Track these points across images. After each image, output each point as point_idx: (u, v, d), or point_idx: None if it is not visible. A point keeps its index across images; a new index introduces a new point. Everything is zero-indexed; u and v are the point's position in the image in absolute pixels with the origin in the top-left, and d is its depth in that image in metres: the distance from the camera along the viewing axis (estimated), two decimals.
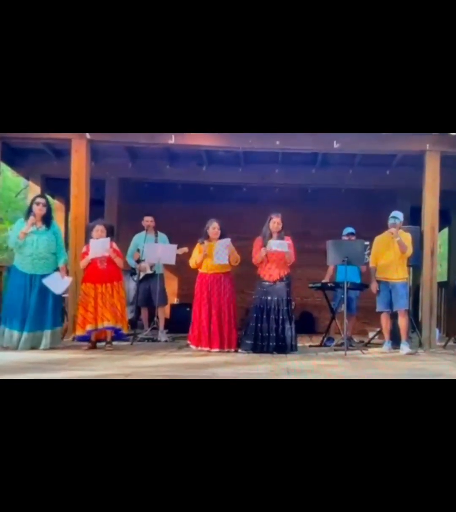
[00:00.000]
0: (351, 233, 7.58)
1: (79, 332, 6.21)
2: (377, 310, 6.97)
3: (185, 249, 7.12)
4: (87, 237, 6.70)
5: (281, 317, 6.31)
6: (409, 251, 6.83)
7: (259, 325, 6.30)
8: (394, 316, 6.94)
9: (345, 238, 7.50)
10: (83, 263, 6.35)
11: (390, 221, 6.86)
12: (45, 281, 6.07)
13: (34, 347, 5.99)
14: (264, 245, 6.44)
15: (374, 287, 6.94)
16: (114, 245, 6.39)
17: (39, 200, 6.27)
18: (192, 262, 6.66)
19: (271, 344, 6.26)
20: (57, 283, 6.15)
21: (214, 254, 6.45)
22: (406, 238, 6.85)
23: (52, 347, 6.05)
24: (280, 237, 6.48)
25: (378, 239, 7.01)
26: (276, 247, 6.37)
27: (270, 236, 6.49)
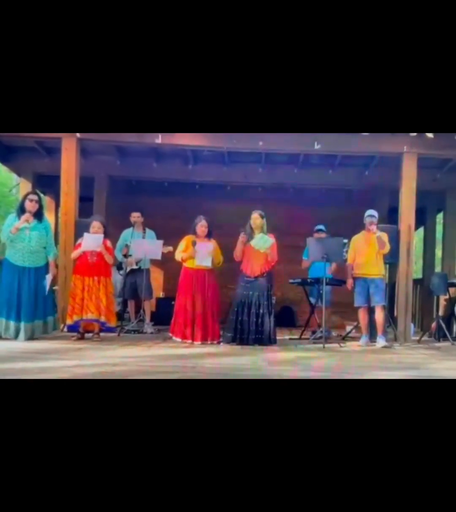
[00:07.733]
0: (321, 230, 7.74)
1: (68, 321, 6.42)
2: (355, 305, 7.11)
3: (170, 248, 7.18)
4: (78, 232, 6.82)
5: (261, 311, 6.41)
6: (387, 248, 6.99)
7: (239, 318, 6.41)
8: (371, 311, 7.11)
9: (315, 235, 7.63)
10: (74, 253, 6.51)
11: (368, 219, 7.00)
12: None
13: (32, 337, 6.12)
14: (247, 241, 6.55)
15: (349, 283, 7.11)
16: (108, 243, 6.51)
17: (31, 196, 6.39)
18: (178, 256, 6.71)
19: (250, 336, 6.37)
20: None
21: (196, 256, 6.55)
22: (383, 236, 7.02)
23: (42, 337, 6.18)
24: (263, 233, 6.55)
25: (355, 238, 7.17)
26: (258, 247, 6.52)
27: (252, 233, 6.57)
